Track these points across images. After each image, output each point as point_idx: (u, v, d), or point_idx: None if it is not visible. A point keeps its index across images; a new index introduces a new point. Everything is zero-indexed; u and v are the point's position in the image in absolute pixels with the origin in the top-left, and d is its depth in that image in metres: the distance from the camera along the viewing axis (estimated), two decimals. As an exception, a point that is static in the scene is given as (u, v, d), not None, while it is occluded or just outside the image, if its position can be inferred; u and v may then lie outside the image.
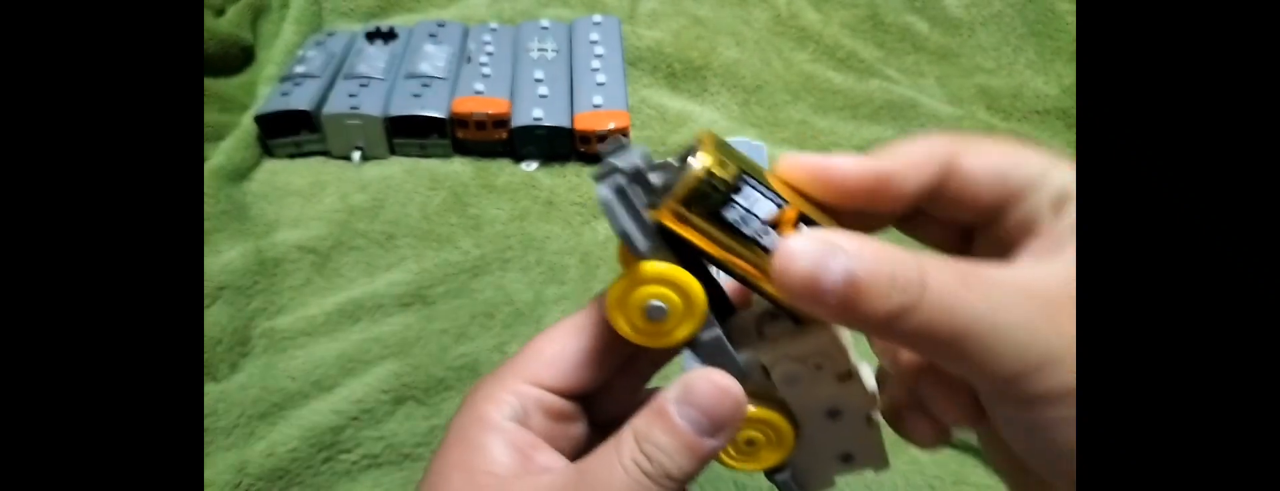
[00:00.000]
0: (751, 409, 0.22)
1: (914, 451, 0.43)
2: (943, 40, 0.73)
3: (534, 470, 0.22)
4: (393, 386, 0.44)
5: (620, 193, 0.20)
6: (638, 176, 0.20)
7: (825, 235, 0.18)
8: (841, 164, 0.21)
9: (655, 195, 0.20)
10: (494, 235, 0.54)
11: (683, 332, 0.21)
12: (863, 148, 0.59)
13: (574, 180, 0.58)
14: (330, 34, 0.66)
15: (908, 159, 0.21)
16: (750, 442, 0.23)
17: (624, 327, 0.21)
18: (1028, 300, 0.18)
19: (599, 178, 0.20)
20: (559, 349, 0.24)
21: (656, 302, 0.21)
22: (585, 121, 0.58)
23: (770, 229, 0.20)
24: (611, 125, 0.58)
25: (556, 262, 0.52)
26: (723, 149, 0.20)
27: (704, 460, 0.21)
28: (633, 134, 0.60)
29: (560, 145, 0.59)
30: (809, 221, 0.21)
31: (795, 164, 0.21)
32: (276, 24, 0.68)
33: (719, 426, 0.21)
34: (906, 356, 0.23)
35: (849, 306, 0.18)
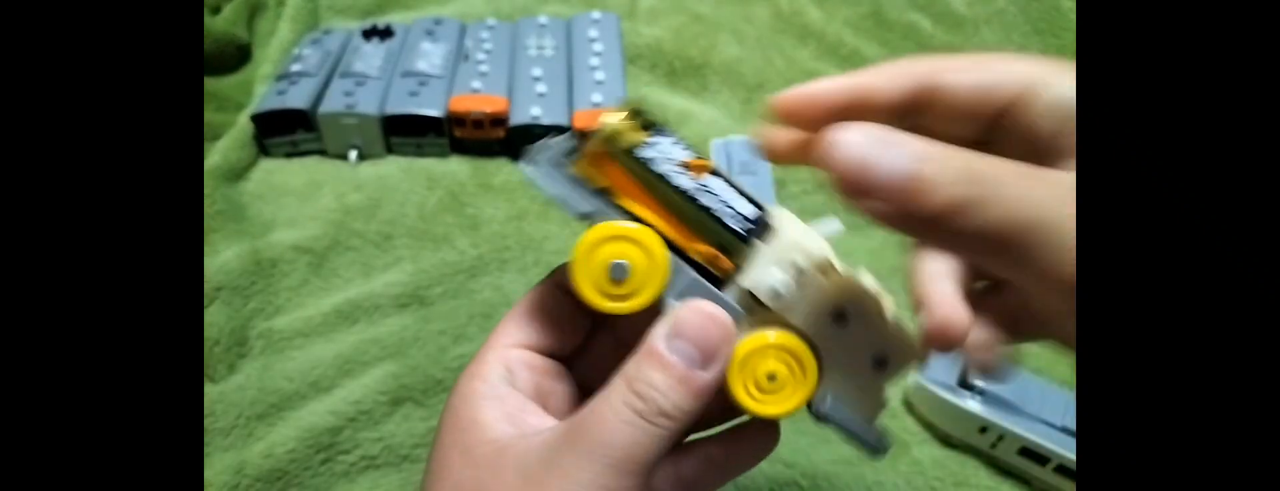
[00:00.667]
0: (766, 336, 0.21)
1: (915, 452, 0.43)
2: (946, 38, 0.72)
3: (529, 432, 0.22)
4: (390, 387, 0.44)
5: (544, 164, 0.20)
6: (560, 149, 0.21)
7: (879, 129, 0.17)
8: (822, 83, 0.21)
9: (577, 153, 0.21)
10: (492, 235, 0.53)
11: (651, 288, 0.21)
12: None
13: (573, 179, 0.58)
14: (327, 32, 0.66)
15: (884, 74, 0.21)
16: (773, 377, 0.21)
17: (593, 296, 0.21)
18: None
19: (525, 161, 0.21)
20: (533, 310, 0.24)
21: (618, 261, 0.21)
22: (584, 120, 0.58)
23: (684, 170, 0.21)
24: (610, 123, 0.57)
25: (555, 263, 0.51)
26: (642, 111, 0.21)
27: (700, 395, 0.20)
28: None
29: (559, 144, 0.58)
30: (719, 175, 0.21)
31: (784, 96, 0.21)
32: (272, 22, 0.68)
33: (711, 355, 0.20)
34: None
35: (909, 196, 0.16)
